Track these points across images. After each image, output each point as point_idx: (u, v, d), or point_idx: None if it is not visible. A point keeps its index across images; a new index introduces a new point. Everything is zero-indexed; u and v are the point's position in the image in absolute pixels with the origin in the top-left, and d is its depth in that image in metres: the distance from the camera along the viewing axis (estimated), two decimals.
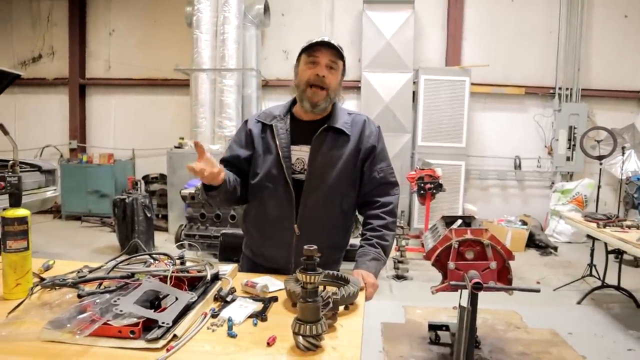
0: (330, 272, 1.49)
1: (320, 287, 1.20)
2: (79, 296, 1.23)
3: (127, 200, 5.36)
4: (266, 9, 7.09)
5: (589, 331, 3.67)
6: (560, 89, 7.12)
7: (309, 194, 1.70)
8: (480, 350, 3.19)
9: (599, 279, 4.44)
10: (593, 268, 4.57)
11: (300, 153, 1.73)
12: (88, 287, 1.31)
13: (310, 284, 1.08)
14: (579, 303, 4.25)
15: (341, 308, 1.33)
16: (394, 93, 6.79)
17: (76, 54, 7.75)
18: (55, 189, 5.70)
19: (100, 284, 1.32)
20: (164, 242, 6.11)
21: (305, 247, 1.11)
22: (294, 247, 1.71)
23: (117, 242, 5.59)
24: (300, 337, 1.07)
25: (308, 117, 1.76)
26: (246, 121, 1.86)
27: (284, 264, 1.74)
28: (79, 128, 7.88)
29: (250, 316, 1.27)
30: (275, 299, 1.42)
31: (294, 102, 1.82)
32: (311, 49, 1.68)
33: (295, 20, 7.40)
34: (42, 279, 1.41)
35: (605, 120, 6.75)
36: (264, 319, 1.26)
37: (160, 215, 6.98)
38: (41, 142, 7.81)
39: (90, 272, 1.46)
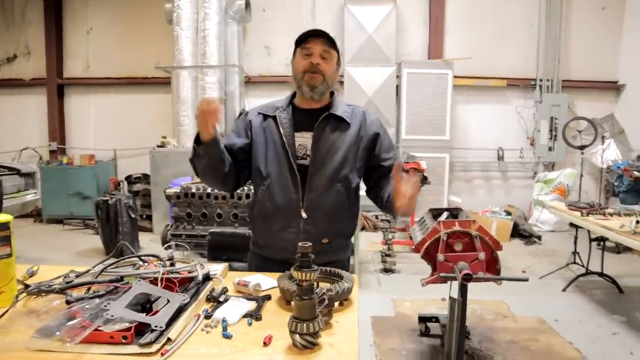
0: (324, 268, 1.48)
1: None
2: (67, 302, 1.19)
3: (110, 202, 5.27)
4: (247, 4, 7.02)
5: (575, 317, 3.74)
6: (541, 80, 7.22)
7: (313, 178, 1.75)
8: (470, 341, 3.22)
9: (583, 266, 4.52)
10: (577, 256, 4.65)
11: (303, 139, 1.78)
12: (76, 293, 1.27)
13: (305, 282, 1.07)
14: (564, 290, 4.33)
15: (335, 304, 1.32)
16: (377, 87, 6.80)
17: (53, 53, 7.58)
18: (35, 192, 5.58)
19: (88, 289, 1.29)
20: (149, 242, 6.03)
21: (300, 244, 1.09)
22: (301, 232, 1.73)
23: (101, 245, 5.50)
24: (297, 336, 1.06)
25: (309, 106, 1.82)
26: (247, 113, 1.92)
27: (291, 251, 1.72)
28: (58, 129, 7.71)
29: (245, 316, 1.25)
30: (268, 297, 1.40)
31: (293, 96, 1.88)
32: (304, 42, 1.74)
33: (276, 15, 7.35)
34: (27, 286, 1.37)
35: (585, 111, 6.87)
36: (258, 318, 1.24)
37: (144, 216, 6.88)
38: (19, 144, 7.64)
39: (77, 276, 1.42)
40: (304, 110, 1.82)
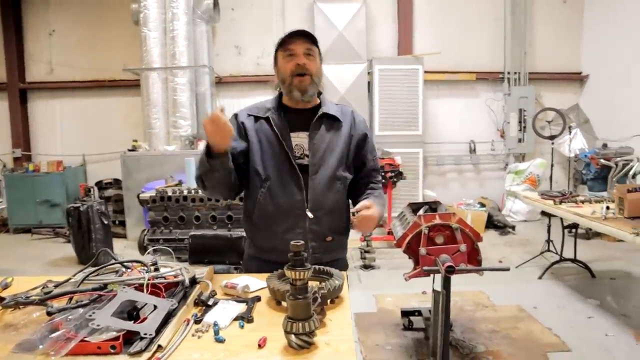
0: (314, 266, 1.46)
1: None
2: (49, 313, 1.14)
3: (81, 209, 5.11)
4: (215, 4, 6.91)
5: (552, 304, 3.84)
6: (508, 73, 7.37)
7: (315, 177, 1.74)
8: (452, 332, 3.26)
9: (557, 253, 4.64)
10: (550, 244, 4.77)
11: (298, 139, 1.77)
12: (57, 303, 1.22)
13: (299, 281, 1.05)
14: (540, 278, 4.44)
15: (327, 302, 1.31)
16: (349, 84, 6.81)
17: (13, 56, 7.26)
18: (0, 201, 5.37)
19: (70, 299, 1.23)
20: (123, 249, 5.88)
21: (292, 242, 1.07)
22: (308, 232, 1.73)
23: (73, 253, 5.33)
24: (293, 336, 1.04)
25: (299, 106, 1.81)
26: (235, 115, 1.85)
27: None
28: (22, 135, 7.40)
29: (236, 318, 1.22)
30: (258, 298, 1.37)
31: (280, 95, 1.86)
32: (285, 43, 1.72)
33: (246, 15, 7.27)
34: (2, 299, 1.30)
35: (552, 102, 7.07)
36: (250, 320, 1.22)
37: (117, 222, 6.70)
38: None
39: (56, 286, 1.37)
40: (295, 110, 1.81)
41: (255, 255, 1.87)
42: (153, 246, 3.52)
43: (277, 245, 1.75)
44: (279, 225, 1.75)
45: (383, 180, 1.96)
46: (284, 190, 1.73)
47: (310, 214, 1.72)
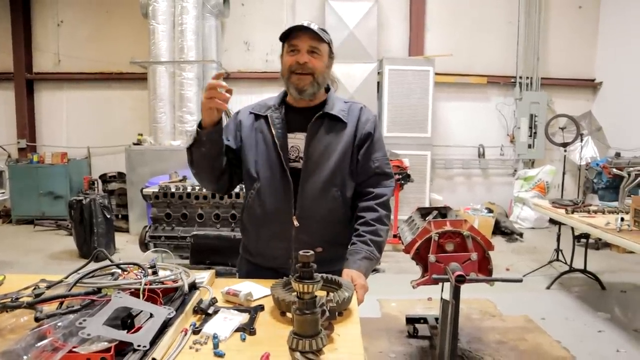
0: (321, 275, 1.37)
1: None
2: (37, 319, 1.06)
3: (84, 202, 5.06)
4: None
5: (561, 315, 3.74)
6: (520, 78, 7.26)
7: (306, 182, 1.63)
8: (459, 342, 3.16)
9: (566, 263, 4.54)
10: (559, 253, 4.67)
11: (295, 141, 1.66)
12: (47, 307, 1.14)
13: (307, 294, 0.97)
14: (548, 288, 4.34)
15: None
16: (359, 84, 6.71)
17: (21, 46, 7.23)
18: (3, 192, 5.36)
19: (61, 303, 1.16)
20: (125, 243, 5.83)
21: (301, 252, 0.99)
22: (293, 241, 1.61)
23: (74, 246, 5.29)
24: (299, 354, 0.96)
25: (302, 105, 1.70)
26: (237, 112, 1.78)
27: (283, 260, 1.64)
28: (27, 126, 7.37)
29: (237, 330, 1.14)
30: (261, 307, 1.29)
31: (286, 92, 1.76)
32: (290, 37, 1.61)
33: (255, 10, 7.20)
34: None
35: (564, 108, 6.93)
36: (252, 333, 1.14)
37: (120, 216, 6.66)
38: None
39: (48, 287, 1.29)
40: (297, 109, 1.70)
41: (245, 257, 1.80)
42: (154, 243, 3.47)
43: (263, 250, 1.70)
44: (265, 230, 1.67)
45: (392, 186, 1.82)
46: (272, 194, 1.63)
47: (296, 222, 1.60)
